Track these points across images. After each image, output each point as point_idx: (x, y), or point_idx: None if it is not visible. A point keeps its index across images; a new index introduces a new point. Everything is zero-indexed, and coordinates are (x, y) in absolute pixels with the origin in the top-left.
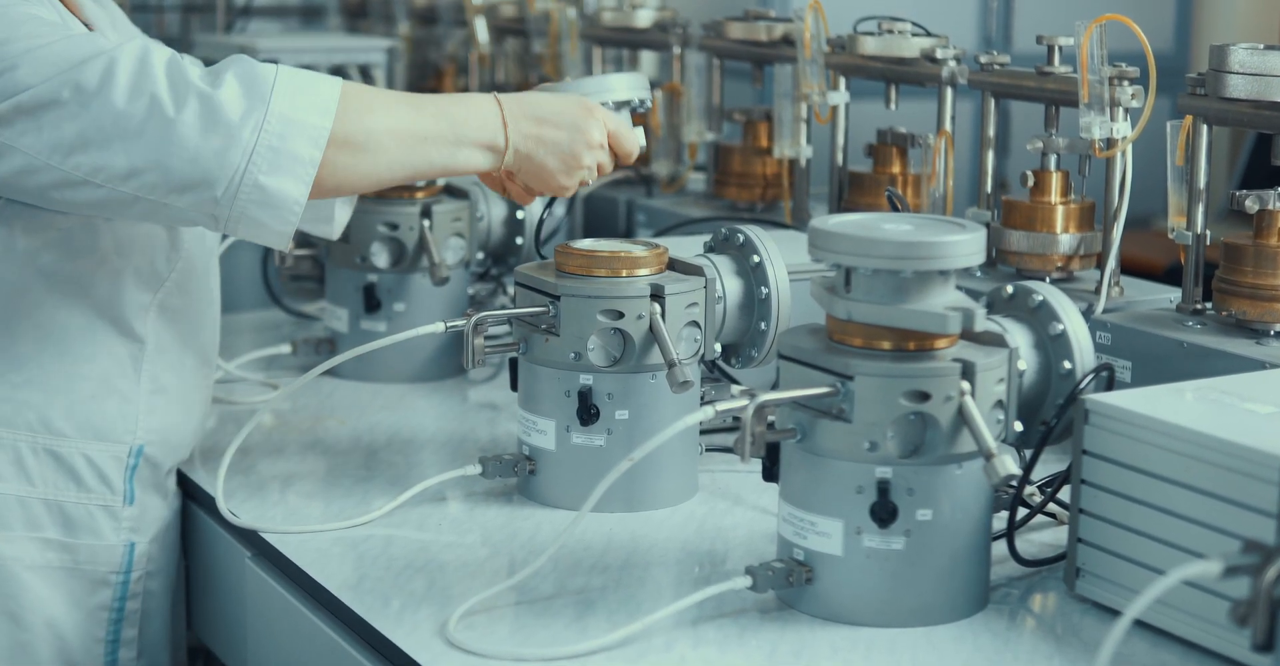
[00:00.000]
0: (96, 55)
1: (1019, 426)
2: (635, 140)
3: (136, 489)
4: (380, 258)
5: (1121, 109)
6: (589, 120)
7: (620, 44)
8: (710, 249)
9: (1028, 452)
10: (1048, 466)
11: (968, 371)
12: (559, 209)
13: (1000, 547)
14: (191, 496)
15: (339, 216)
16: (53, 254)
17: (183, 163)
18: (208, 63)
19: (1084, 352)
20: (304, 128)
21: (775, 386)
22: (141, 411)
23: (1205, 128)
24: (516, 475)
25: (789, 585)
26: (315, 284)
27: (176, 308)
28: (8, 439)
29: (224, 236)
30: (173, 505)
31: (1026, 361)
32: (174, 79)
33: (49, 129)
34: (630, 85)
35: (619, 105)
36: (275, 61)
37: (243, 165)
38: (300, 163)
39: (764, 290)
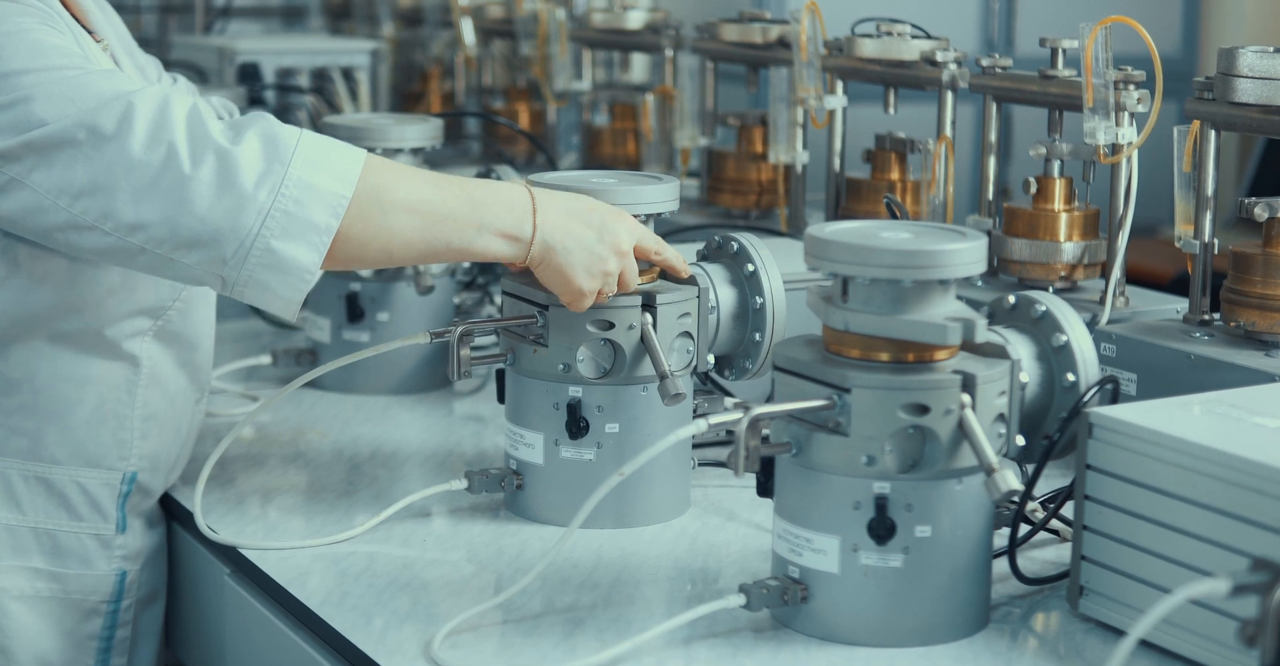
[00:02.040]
0: (116, 97)
1: (1021, 440)
2: (676, 254)
3: (129, 516)
4: None
5: (1127, 114)
6: (619, 223)
7: (611, 46)
8: (703, 257)
9: (1030, 467)
10: (1050, 482)
11: (968, 384)
12: None
13: (1001, 565)
14: (169, 512)
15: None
16: (59, 280)
17: (193, 220)
18: (187, 65)
19: (1088, 364)
20: (322, 194)
21: (770, 399)
22: (135, 437)
23: (1213, 133)
24: (503, 490)
25: (784, 604)
26: None
27: (174, 332)
28: None
29: None
30: (159, 529)
31: (1029, 373)
32: (194, 131)
33: (60, 168)
34: (663, 196)
35: (648, 217)
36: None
37: (256, 227)
38: (315, 230)
39: (759, 300)
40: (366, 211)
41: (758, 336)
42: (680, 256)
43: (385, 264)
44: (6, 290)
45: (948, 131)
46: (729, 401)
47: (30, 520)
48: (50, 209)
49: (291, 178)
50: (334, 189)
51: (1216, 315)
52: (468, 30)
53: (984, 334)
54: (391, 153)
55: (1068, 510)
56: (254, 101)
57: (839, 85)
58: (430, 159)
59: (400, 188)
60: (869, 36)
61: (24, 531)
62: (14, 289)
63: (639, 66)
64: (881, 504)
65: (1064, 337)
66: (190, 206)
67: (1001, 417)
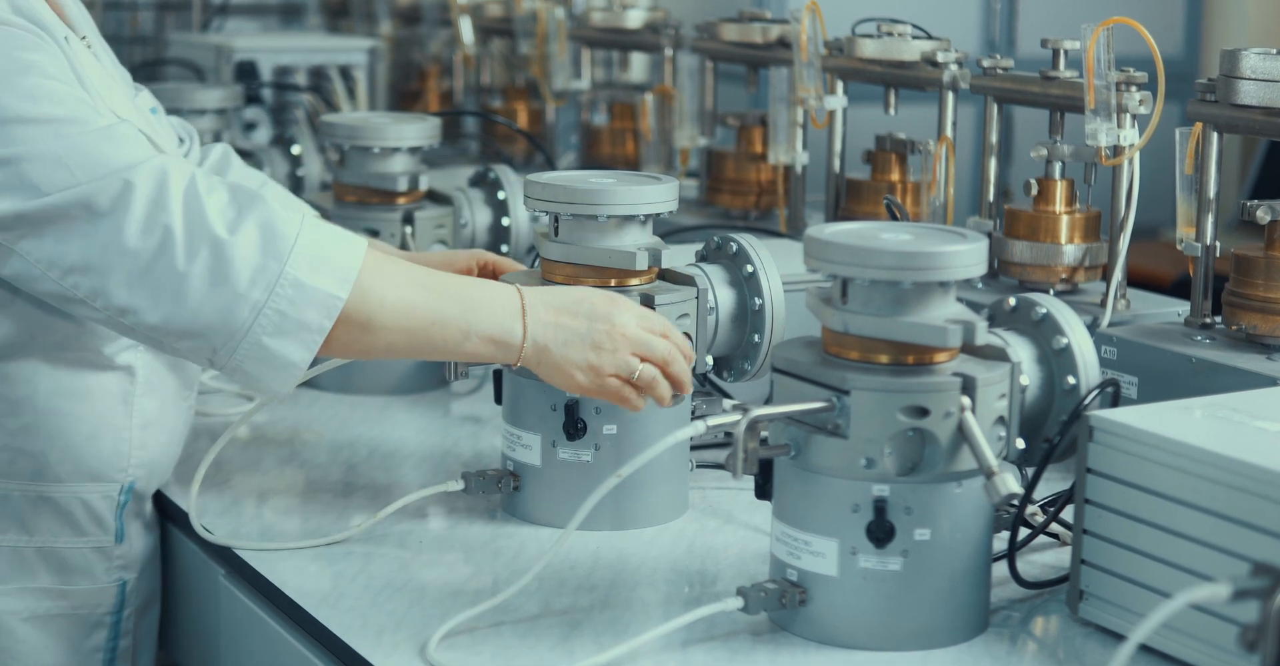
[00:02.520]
0: (113, 173)
1: (1021, 443)
2: (684, 341)
3: (126, 525)
4: None
5: (1129, 115)
6: (612, 307)
7: (610, 45)
8: (702, 258)
9: (1030, 471)
10: (1050, 485)
11: (968, 386)
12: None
13: (1001, 569)
14: (164, 512)
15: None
16: (52, 306)
17: (185, 312)
18: (184, 63)
19: (1089, 367)
20: (317, 295)
21: (769, 401)
22: (134, 447)
23: (1215, 135)
24: (500, 491)
25: (782, 607)
26: None
27: None
28: (2, 490)
29: None
30: (154, 532)
31: (1029, 376)
32: (190, 216)
33: (51, 241)
34: (662, 196)
35: (647, 217)
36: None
37: (248, 323)
38: (308, 330)
39: (758, 301)
40: (354, 318)
41: (756, 338)
42: (689, 345)
43: (366, 359)
44: (4, 312)
45: (948, 132)
46: (727, 403)
47: (36, 540)
48: (40, 278)
49: (287, 277)
50: (329, 290)
51: (1218, 318)
52: (466, 29)
53: (984, 336)
54: (389, 152)
55: (1068, 514)
56: (251, 100)
57: (839, 85)
58: (428, 158)
59: (391, 293)
60: (869, 37)
61: (30, 552)
62: (12, 311)
63: (638, 66)
64: (880, 506)
65: (1065, 340)
66: (183, 300)
67: (1001, 420)
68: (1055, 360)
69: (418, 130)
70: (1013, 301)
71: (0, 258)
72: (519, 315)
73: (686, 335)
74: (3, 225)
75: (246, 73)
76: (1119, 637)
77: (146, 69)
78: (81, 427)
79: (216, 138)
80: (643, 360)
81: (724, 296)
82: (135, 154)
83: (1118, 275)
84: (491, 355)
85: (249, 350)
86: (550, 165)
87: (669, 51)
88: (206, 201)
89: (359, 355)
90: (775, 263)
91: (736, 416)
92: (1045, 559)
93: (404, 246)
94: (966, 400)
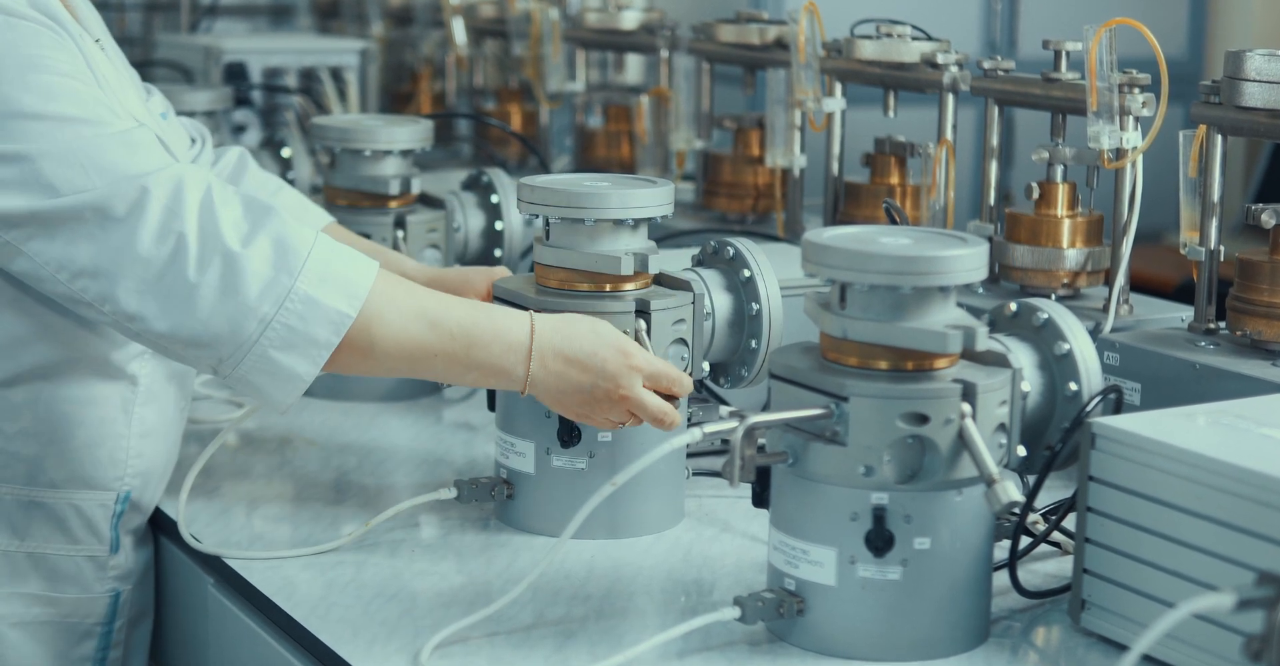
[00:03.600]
0: (130, 179)
1: (1022, 451)
2: (681, 381)
3: (121, 535)
4: None
5: (1132, 118)
6: (622, 369)
7: (605, 47)
8: (699, 262)
9: (1031, 478)
10: (1052, 493)
11: (968, 393)
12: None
13: (1002, 578)
14: (152, 520)
15: None
16: (59, 308)
17: (194, 322)
18: (172, 64)
19: (1091, 374)
20: (327, 313)
21: (766, 407)
22: (131, 456)
23: (1219, 138)
24: (494, 499)
25: (779, 616)
26: None
27: None
28: None
29: None
30: (149, 544)
31: (1030, 383)
32: (205, 227)
33: (61, 243)
34: (658, 200)
35: (639, 221)
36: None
37: (256, 336)
38: (316, 345)
39: (755, 306)
40: (356, 340)
41: (754, 343)
42: (689, 384)
43: (367, 376)
44: (11, 314)
45: (948, 135)
46: (724, 410)
47: (27, 546)
48: (48, 280)
49: (298, 292)
50: (339, 307)
51: (1222, 324)
52: (459, 30)
53: (985, 342)
54: (381, 154)
55: (1069, 522)
56: (240, 102)
57: (838, 87)
58: (420, 161)
59: (394, 321)
60: (868, 38)
61: (21, 557)
62: (21, 316)
63: (634, 67)
64: (879, 515)
65: (1066, 346)
66: (193, 310)
67: (1002, 427)
68: (1057, 366)
69: (410, 133)
70: (1014, 306)
71: (8, 256)
72: (524, 359)
73: (682, 341)
74: (13, 222)
75: (236, 74)
76: (1122, 648)
77: (134, 70)
78: (79, 434)
79: None
80: (635, 414)
81: (721, 301)
82: (152, 161)
83: (1120, 280)
84: (490, 385)
85: (255, 362)
86: (544, 168)
87: (665, 53)
88: (221, 213)
89: (361, 374)
90: (773, 267)
91: (733, 423)
92: (1047, 568)
93: (395, 249)
94: (967, 407)
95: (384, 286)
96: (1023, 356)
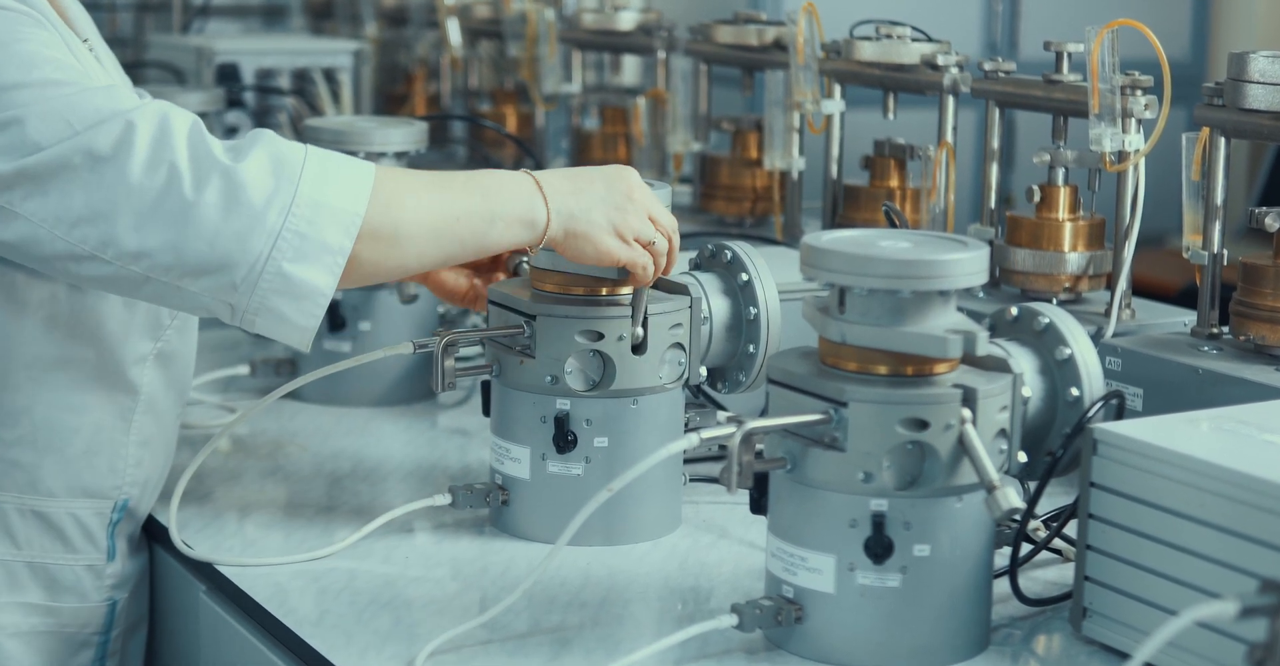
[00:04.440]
0: (114, 116)
1: (1023, 457)
2: (672, 217)
3: (118, 544)
4: None
5: (1134, 120)
6: (625, 171)
7: (602, 48)
8: (696, 266)
9: (1032, 485)
10: (1053, 499)
11: (969, 398)
12: None
13: (1002, 585)
14: (144, 527)
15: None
16: (59, 305)
17: (200, 245)
18: (164, 65)
19: (1092, 379)
20: (336, 213)
21: (764, 413)
22: (130, 464)
23: (1223, 140)
24: (488, 505)
25: (778, 624)
26: None
27: (171, 353)
28: None
29: None
30: (144, 552)
31: (1031, 388)
32: (196, 151)
33: (56, 196)
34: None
35: None
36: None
37: (266, 251)
38: (330, 251)
39: (753, 310)
40: (379, 228)
41: (752, 348)
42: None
43: (400, 277)
44: (6, 316)
45: (949, 137)
46: (722, 415)
47: (25, 555)
48: (46, 239)
49: (302, 197)
50: (347, 207)
51: (1225, 328)
52: (454, 31)
53: (985, 347)
54: (374, 157)
55: (1071, 529)
56: (233, 103)
57: (837, 89)
58: (414, 163)
59: (410, 200)
60: (868, 39)
61: (19, 566)
62: (13, 315)
63: (630, 69)
64: (879, 522)
65: (1068, 351)
66: (196, 231)
67: (1003, 433)
68: (1058, 371)
69: (404, 135)
70: (1015, 311)
71: (4, 221)
72: (537, 191)
73: (679, 345)
74: (4, 184)
75: (228, 75)
76: (1123, 656)
77: (125, 71)
78: (77, 442)
79: None
80: (655, 227)
81: (718, 306)
82: (134, 101)
83: (1122, 284)
84: (518, 238)
85: (271, 280)
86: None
87: (662, 54)
88: (210, 139)
89: (389, 273)
90: (771, 271)
91: (731, 429)
92: (1048, 575)
93: None
94: (967, 412)
95: (387, 174)
96: (1024, 361)
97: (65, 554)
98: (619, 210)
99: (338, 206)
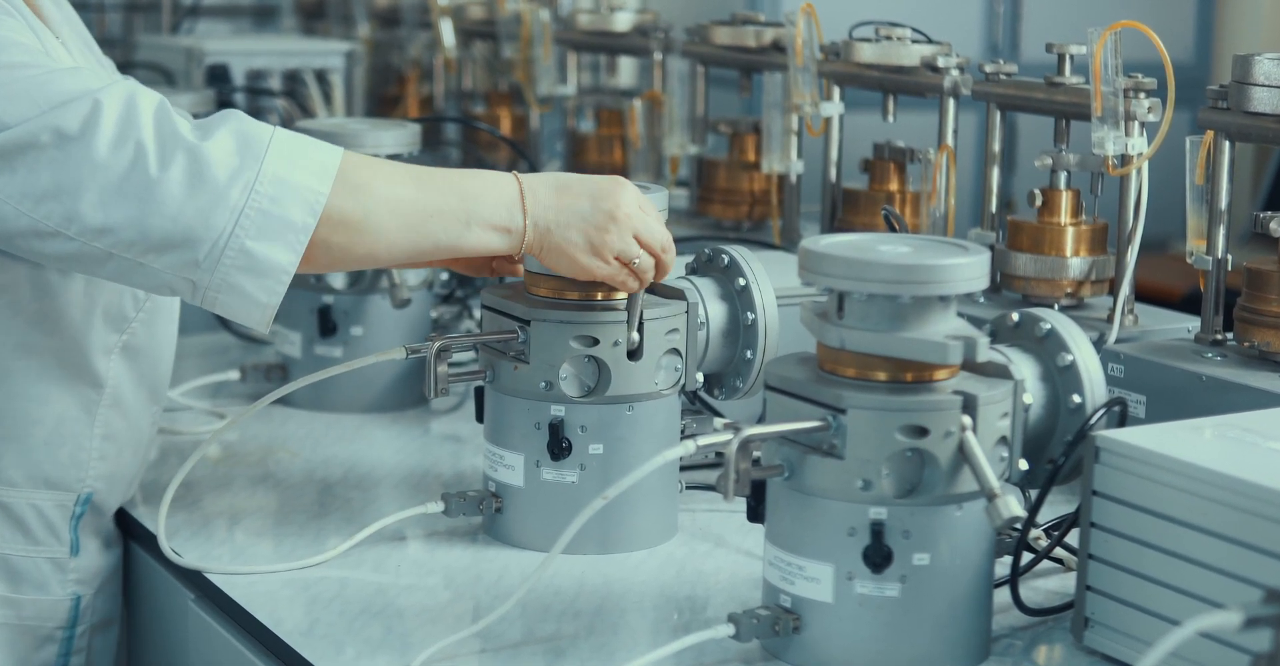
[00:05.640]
0: (81, 96)
1: (1024, 465)
2: (665, 232)
3: (81, 538)
4: (337, 278)
5: (1137, 123)
6: (615, 188)
7: (597, 49)
8: (692, 270)
9: (1033, 493)
10: (1055, 508)
11: (969, 405)
12: None
13: (1003, 595)
14: (131, 534)
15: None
16: (21, 291)
17: (163, 221)
18: (153, 66)
19: (1095, 385)
20: (299, 191)
21: (761, 420)
22: (93, 458)
23: (1227, 144)
24: (482, 513)
25: (775, 634)
26: None
27: (138, 347)
28: None
29: None
30: (115, 549)
31: (1033, 395)
32: (162, 129)
33: (23, 172)
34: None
35: None
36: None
37: (229, 227)
38: (292, 229)
39: (750, 316)
40: (345, 216)
41: (749, 354)
42: (664, 231)
43: (370, 265)
44: None
45: (949, 141)
46: (718, 422)
47: None
48: (11, 215)
49: (266, 174)
50: (311, 185)
51: (1229, 335)
52: (447, 31)
53: (986, 353)
54: None
55: (1072, 538)
56: (223, 105)
57: (836, 91)
58: None
59: (379, 185)
60: (867, 41)
61: None
62: None
63: (626, 70)
64: (878, 530)
65: (1070, 357)
66: (160, 207)
67: (1004, 440)
68: (1060, 378)
69: (397, 137)
70: (1016, 317)
71: None
72: (518, 199)
73: (676, 351)
74: None
75: (218, 76)
76: None
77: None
78: (38, 432)
79: None
80: (641, 245)
81: (715, 311)
82: (101, 81)
83: (1125, 289)
84: (493, 244)
85: (233, 257)
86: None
87: (658, 55)
88: (176, 118)
89: (360, 261)
90: (769, 276)
91: (728, 436)
92: (1049, 585)
93: None
94: (967, 419)
95: (361, 159)
96: (1025, 368)
97: (27, 545)
98: (598, 229)
99: (302, 184)
